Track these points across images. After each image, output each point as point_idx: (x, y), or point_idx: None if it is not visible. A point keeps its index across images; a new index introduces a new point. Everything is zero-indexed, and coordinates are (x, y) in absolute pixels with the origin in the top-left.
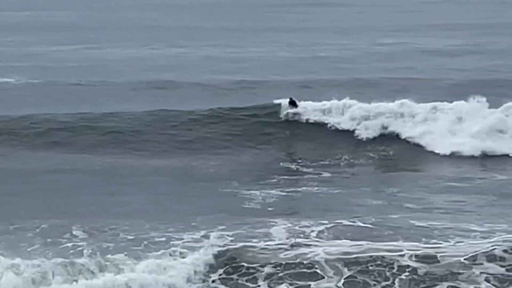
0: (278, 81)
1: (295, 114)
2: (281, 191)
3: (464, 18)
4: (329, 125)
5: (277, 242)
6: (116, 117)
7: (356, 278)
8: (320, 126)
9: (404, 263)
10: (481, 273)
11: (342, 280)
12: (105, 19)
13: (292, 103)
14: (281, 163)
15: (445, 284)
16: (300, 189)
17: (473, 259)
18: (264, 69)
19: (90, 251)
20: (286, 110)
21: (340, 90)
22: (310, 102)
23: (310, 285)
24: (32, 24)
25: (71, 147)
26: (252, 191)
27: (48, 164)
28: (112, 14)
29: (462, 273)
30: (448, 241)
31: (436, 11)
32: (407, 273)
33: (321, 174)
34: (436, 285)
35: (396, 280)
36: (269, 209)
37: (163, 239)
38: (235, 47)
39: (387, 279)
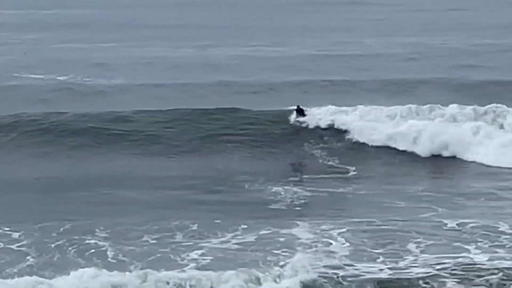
0: (303, 81)
1: (302, 122)
2: (306, 191)
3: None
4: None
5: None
6: (135, 117)
7: None
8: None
9: None
10: None
11: None
12: (131, 17)
13: (300, 111)
14: (305, 164)
15: None
16: (324, 189)
17: None
18: (291, 69)
19: (113, 253)
20: (294, 119)
21: (368, 91)
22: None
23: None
24: (58, 22)
25: (92, 147)
26: (278, 189)
27: (69, 164)
28: (137, 12)
29: None
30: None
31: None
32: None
33: (348, 173)
34: None
35: None
36: (296, 209)
37: (190, 243)
38: (256, 46)
39: None
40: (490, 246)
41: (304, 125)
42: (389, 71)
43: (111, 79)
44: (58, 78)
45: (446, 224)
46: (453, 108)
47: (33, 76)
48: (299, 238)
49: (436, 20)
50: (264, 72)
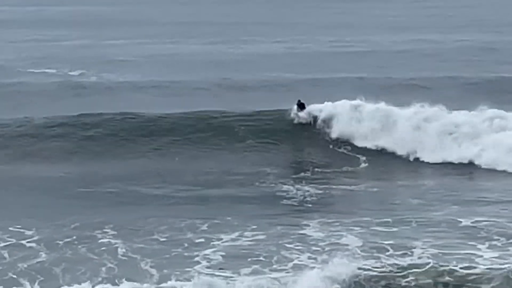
0: (315, 79)
1: (302, 118)
2: (317, 188)
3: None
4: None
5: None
6: (146, 115)
7: None
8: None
9: None
10: None
11: None
12: (146, 14)
13: (301, 106)
14: (316, 159)
15: None
16: (335, 186)
17: None
18: (302, 66)
19: (123, 250)
20: (294, 113)
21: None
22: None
23: None
24: (70, 19)
25: (103, 146)
26: (288, 187)
27: (79, 163)
28: (151, 9)
29: None
30: None
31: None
32: None
33: (357, 169)
34: None
35: None
36: (307, 205)
37: (202, 240)
38: (267, 43)
39: None
40: (503, 244)
41: (304, 120)
42: (403, 69)
43: (122, 76)
44: (70, 73)
45: (460, 222)
46: (465, 114)
47: (47, 71)
48: (310, 236)
49: (451, 17)
50: (275, 69)
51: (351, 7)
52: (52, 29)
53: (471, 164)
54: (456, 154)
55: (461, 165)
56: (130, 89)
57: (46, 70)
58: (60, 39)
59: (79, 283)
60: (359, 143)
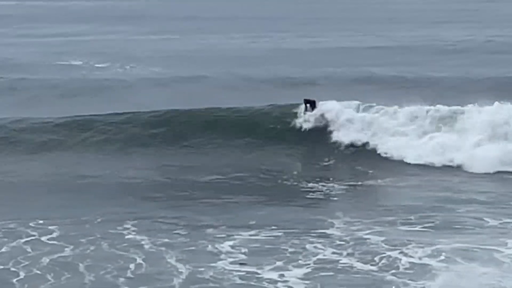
0: (334, 75)
1: (311, 116)
2: (343, 185)
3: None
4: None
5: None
6: (162, 113)
7: None
8: None
9: None
10: None
11: None
12: (169, 9)
13: (311, 104)
14: (337, 157)
15: None
16: (360, 183)
17: None
18: (325, 62)
19: (148, 245)
20: (303, 111)
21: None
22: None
23: None
24: (106, 12)
25: (121, 143)
26: (313, 185)
27: (100, 160)
28: (178, 3)
29: None
30: None
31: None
32: None
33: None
34: None
35: None
36: (331, 200)
37: (223, 235)
38: (290, 38)
39: None
40: None
41: (313, 120)
42: (430, 67)
43: (146, 70)
44: (96, 65)
45: (488, 221)
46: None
47: (72, 63)
48: (330, 235)
49: (476, 12)
50: (296, 65)
51: (367, 1)
52: (77, 24)
53: None
54: None
55: None
56: (153, 84)
57: (72, 63)
58: (85, 33)
59: (105, 279)
60: (380, 139)
